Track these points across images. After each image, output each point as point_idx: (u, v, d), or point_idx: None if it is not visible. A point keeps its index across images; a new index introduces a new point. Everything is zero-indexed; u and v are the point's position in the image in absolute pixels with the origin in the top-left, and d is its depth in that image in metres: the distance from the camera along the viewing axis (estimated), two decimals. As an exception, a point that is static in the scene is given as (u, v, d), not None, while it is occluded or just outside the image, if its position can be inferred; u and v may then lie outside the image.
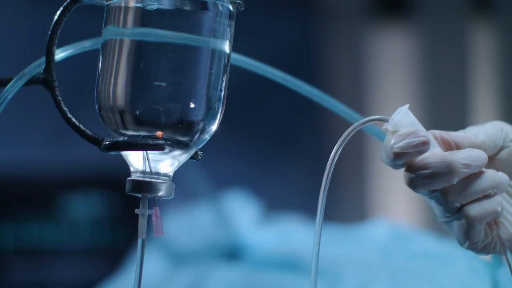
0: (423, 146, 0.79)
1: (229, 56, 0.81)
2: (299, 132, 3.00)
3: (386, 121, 0.81)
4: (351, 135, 0.81)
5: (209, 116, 0.80)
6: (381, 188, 3.00)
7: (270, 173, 2.95)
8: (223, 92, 0.81)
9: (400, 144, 0.79)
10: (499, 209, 0.81)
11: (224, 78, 0.81)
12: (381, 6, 3.05)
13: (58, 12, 0.82)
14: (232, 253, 1.56)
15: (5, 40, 2.75)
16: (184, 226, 1.68)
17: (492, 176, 0.81)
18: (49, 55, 0.82)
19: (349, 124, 0.82)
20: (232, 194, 1.80)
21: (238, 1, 0.81)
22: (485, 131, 0.84)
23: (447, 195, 0.81)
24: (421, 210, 2.89)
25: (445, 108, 2.93)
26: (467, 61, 2.96)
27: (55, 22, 0.82)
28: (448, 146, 0.83)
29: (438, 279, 1.21)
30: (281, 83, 0.92)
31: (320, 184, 0.81)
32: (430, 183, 0.80)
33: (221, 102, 0.81)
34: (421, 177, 0.80)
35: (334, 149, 0.81)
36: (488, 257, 1.16)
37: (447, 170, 0.79)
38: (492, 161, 0.85)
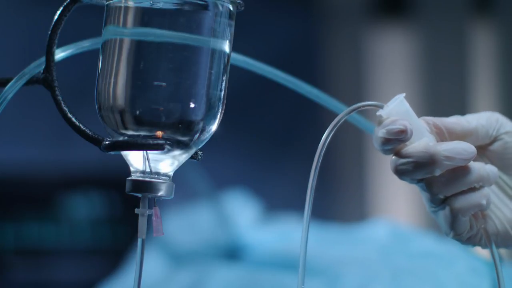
0: (401, 134, 0.80)
1: (229, 56, 0.81)
2: (299, 132, 2.99)
3: (381, 107, 0.82)
4: (344, 118, 0.82)
5: (209, 116, 0.80)
6: (381, 188, 3.00)
7: (270, 173, 2.95)
8: (223, 92, 0.81)
9: (383, 130, 0.80)
10: (484, 202, 0.81)
11: (224, 78, 0.80)
12: (381, 6, 3.05)
13: (58, 12, 0.82)
14: (232, 253, 1.56)
15: (5, 40, 2.75)
16: (184, 226, 1.68)
17: (479, 169, 0.81)
18: (49, 55, 0.82)
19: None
20: (232, 194, 1.80)
21: (238, 1, 0.81)
22: (480, 119, 0.84)
23: (432, 186, 0.81)
24: (421, 210, 2.89)
25: (445, 107, 2.92)
26: (467, 61, 2.96)
27: (55, 22, 0.82)
28: (440, 132, 0.83)
29: (438, 279, 1.21)
30: (281, 83, 0.92)
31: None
32: (412, 171, 0.80)
33: (221, 102, 0.81)
34: (404, 165, 0.80)
35: (326, 132, 0.82)
36: (488, 257, 1.16)
37: (429, 161, 0.80)
38: (485, 152, 0.85)
